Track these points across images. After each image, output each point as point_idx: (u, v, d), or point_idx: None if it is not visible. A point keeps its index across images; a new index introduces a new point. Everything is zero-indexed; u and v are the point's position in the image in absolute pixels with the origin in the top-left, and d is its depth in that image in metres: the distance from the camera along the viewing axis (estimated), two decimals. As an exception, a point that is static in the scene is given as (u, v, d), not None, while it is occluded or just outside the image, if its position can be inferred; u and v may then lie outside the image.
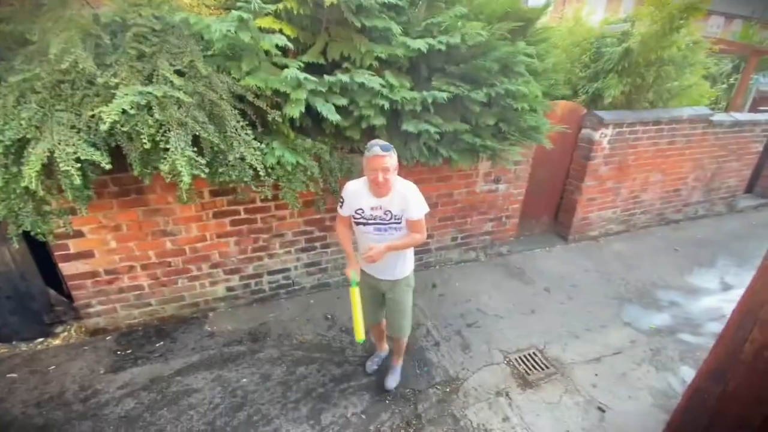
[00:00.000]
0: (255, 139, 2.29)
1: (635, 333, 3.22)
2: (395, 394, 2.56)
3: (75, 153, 1.85)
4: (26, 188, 1.88)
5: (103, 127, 1.80)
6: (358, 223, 2.06)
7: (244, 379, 2.63)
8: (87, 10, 2.13)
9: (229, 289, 3.22)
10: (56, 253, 2.60)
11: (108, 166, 1.95)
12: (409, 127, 2.72)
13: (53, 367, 2.70)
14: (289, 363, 2.77)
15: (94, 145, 1.95)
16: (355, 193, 2.01)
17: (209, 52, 2.22)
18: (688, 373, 2.81)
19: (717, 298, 3.74)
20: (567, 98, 4.16)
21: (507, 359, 2.88)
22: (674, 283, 3.94)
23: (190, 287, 3.08)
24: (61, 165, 1.83)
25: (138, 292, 2.94)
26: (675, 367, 2.90)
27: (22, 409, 2.40)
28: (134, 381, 2.60)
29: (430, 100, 2.63)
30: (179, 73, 2.07)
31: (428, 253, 3.86)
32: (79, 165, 1.87)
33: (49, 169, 1.93)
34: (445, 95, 2.63)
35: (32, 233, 2.21)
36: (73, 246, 2.62)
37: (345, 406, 2.47)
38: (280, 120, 2.37)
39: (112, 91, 1.91)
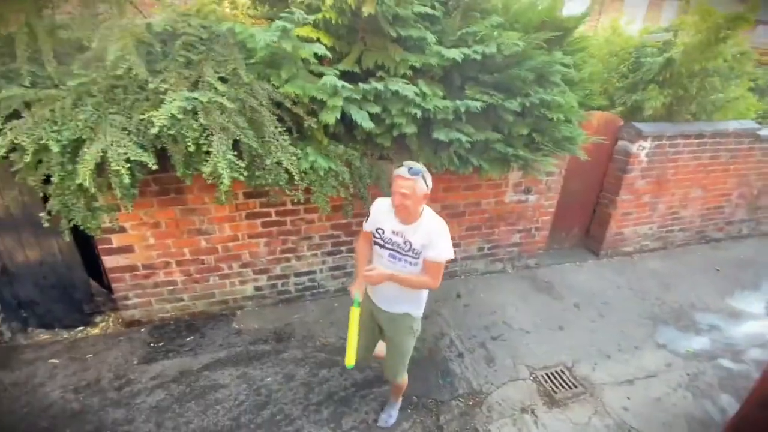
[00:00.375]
0: (290, 144, 2.35)
1: (671, 356, 3.07)
2: (417, 404, 2.55)
3: (125, 153, 1.97)
4: (80, 185, 2.00)
5: (153, 131, 1.90)
6: (376, 243, 1.94)
7: (269, 378, 2.68)
8: (141, 19, 2.26)
9: (257, 288, 3.30)
10: (100, 247, 2.75)
11: (154, 167, 2.06)
12: (440, 135, 2.72)
13: (91, 355, 2.84)
14: (312, 365, 2.80)
15: (142, 146, 2.06)
16: (382, 212, 1.90)
17: (251, 61, 2.30)
18: (728, 401, 2.65)
19: (761, 323, 3.52)
20: (603, 109, 4.05)
21: (533, 375, 2.81)
22: (714, 306, 3.74)
23: (221, 285, 3.18)
24: (112, 164, 1.94)
25: (172, 287, 3.06)
26: (714, 394, 2.74)
27: (61, 393, 2.53)
28: (165, 373, 2.70)
29: (462, 109, 2.62)
30: (223, 80, 2.17)
31: (453, 262, 3.83)
32: (128, 165, 1.98)
33: (100, 167, 2.05)
34: (478, 104, 2.62)
35: (81, 227, 2.35)
36: (116, 241, 2.76)
37: (366, 412, 2.47)
38: (315, 126, 2.43)
39: (161, 96, 2.02)
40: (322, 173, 2.53)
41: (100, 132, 2.01)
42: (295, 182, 2.45)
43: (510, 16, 2.82)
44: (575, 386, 2.72)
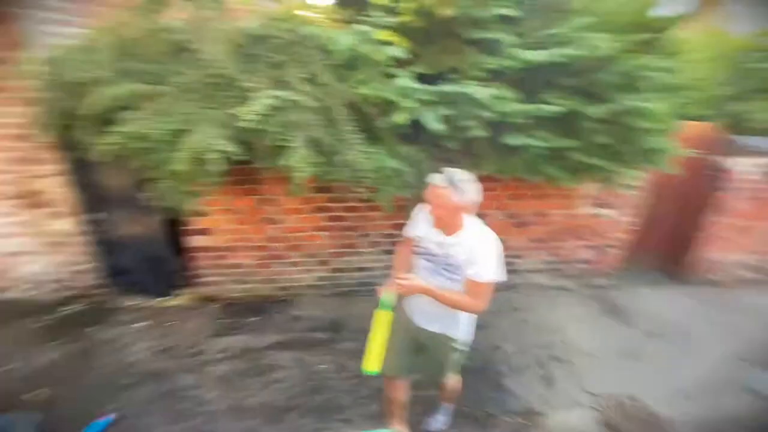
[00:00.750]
0: (362, 143, 2.43)
1: (763, 404, 2.67)
2: (466, 413, 2.49)
3: (217, 145, 2.17)
4: (177, 171, 2.25)
5: (241, 125, 2.08)
6: (416, 252, 1.82)
7: (323, 366, 2.79)
8: (236, 23, 2.48)
9: (318, 279, 3.45)
10: (186, 228, 3.06)
11: (240, 158, 2.25)
12: (511, 140, 2.63)
13: (171, 323, 3.18)
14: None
15: (231, 139, 2.26)
16: (423, 218, 1.77)
17: (331, 62, 2.41)
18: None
19: None
20: (701, 119, 3.63)
21: (595, 403, 2.61)
22: (827, 354, 3.18)
23: (285, 272, 3.38)
24: (205, 154, 2.16)
25: (243, 270, 3.31)
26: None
27: (144, 354, 2.86)
28: (231, 348, 2.93)
29: (538, 114, 2.51)
30: (305, 81, 2.30)
31: (514, 273, 3.68)
32: (218, 155, 2.19)
33: (194, 156, 2.28)
34: (556, 109, 2.50)
35: (174, 209, 2.64)
36: (200, 223, 3.05)
37: (416, 413, 2.46)
38: (386, 127, 2.48)
39: (250, 94, 2.20)
40: (388, 173, 2.57)
41: (197, 124, 2.24)
42: (363, 180, 2.52)
43: (596, 17, 2.64)
44: (642, 422, 2.48)
